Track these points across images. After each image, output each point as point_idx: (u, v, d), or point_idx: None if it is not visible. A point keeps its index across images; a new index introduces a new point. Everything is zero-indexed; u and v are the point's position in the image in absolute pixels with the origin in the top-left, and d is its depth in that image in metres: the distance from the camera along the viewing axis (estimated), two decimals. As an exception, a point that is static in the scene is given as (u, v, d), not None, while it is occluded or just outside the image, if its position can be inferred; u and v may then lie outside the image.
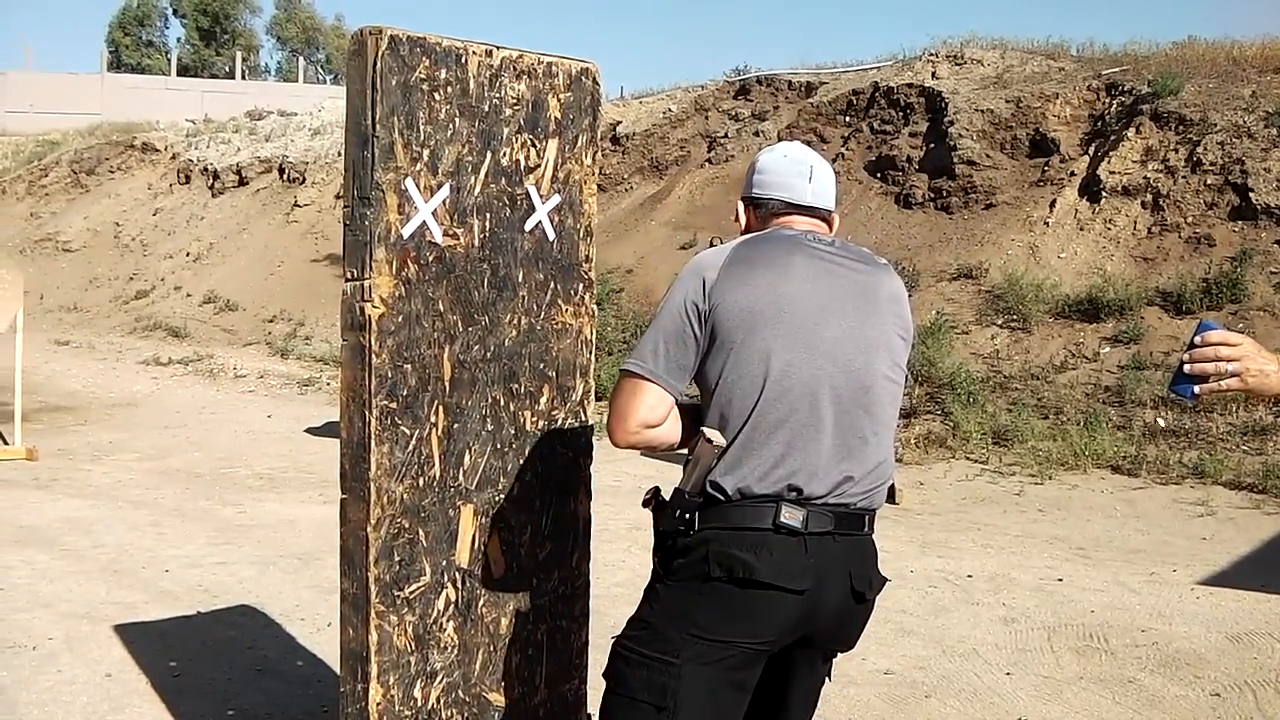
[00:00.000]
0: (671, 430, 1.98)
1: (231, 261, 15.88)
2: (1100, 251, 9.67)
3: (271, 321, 14.04)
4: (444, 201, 2.30)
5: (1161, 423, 7.52)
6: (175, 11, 43.73)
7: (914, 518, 6.26)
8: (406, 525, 2.29)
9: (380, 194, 2.19)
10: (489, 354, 2.43)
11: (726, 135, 13.72)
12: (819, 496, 1.90)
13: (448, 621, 2.39)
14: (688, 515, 1.92)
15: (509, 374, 2.48)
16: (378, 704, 2.26)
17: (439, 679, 2.39)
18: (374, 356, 2.21)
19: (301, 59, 41.36)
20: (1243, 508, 6.39)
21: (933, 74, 12.50)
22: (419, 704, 2.35)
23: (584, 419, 2.68)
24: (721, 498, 1.90)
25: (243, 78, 34.51)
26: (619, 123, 14.70)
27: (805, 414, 1.89)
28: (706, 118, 14.40)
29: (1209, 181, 9.47)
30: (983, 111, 11.30)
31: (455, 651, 2.41)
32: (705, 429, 1.92)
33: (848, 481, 1.93)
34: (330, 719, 3.24)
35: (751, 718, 2.00)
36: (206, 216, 17.30)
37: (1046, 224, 10.17)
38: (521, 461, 2.52)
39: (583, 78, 2.57)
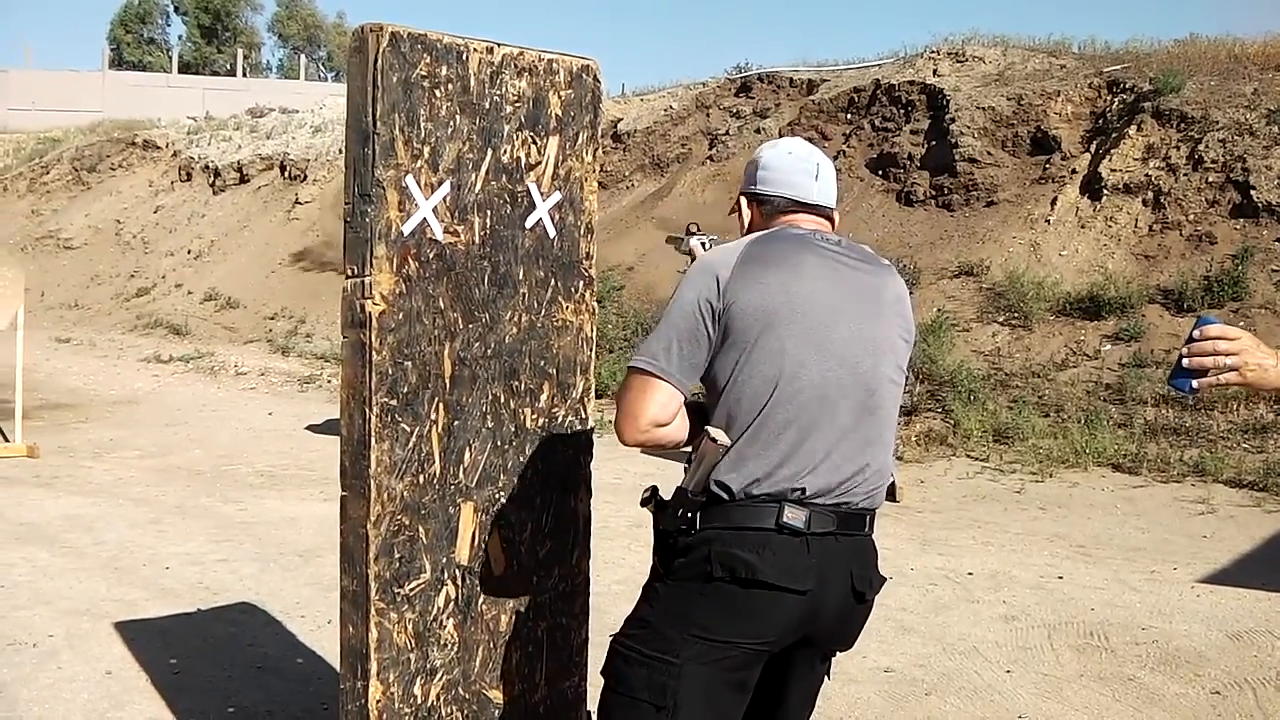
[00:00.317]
0: (680, 428, 1.97)
1: (232, 259, 15.87)
2: (1101, 249, 9.66)
3: (272, 319, 14.03)
4: (444, 198, 2.30)
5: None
6: (177, 9, 43.71)
7: (914, 515, 6.26)
8: (407, 522, 2.29)
9: (381, 191, 2.19)
10: (489, 351, 2.43)
11: (728, 133, 13.70)
12: (822, 497, 1.90)
13: (448, 619, 2.39)
14: (689, 514, 1.91)
15: (509, 371, 2.48)
16: (377, 701, 2.27)
17: (439, 676, 2.39)
18: (374, 354, 2.20)
19: (303, 56, 41.33)
20: (1243, 506, 6.38)
21: (934, 71, 12.48)
22: (419, 701, 2.35)
23: (584, 416, 2.68)
24: (725, 497, 1.90)
25: (244, 75, 34.49)
26: (620, 120, 14.69)
27: (812, 415, 1.89)
28: (708, 115, 14.38)
29: (1210, 179, 9.46)
30: (984, 109, 11.29)
31: (455, 648, 2.41)
32: (710, 428, 1.91)
33: (850, 482, 1.93)
34: (330, 716, 3.24)
35: (751, 717, 2.00)
36: (207, 214, 17.29)
37: (1048, 222, 10.15)
38: (522, 459, 2.52)
39: (584, 75, 2.57)
